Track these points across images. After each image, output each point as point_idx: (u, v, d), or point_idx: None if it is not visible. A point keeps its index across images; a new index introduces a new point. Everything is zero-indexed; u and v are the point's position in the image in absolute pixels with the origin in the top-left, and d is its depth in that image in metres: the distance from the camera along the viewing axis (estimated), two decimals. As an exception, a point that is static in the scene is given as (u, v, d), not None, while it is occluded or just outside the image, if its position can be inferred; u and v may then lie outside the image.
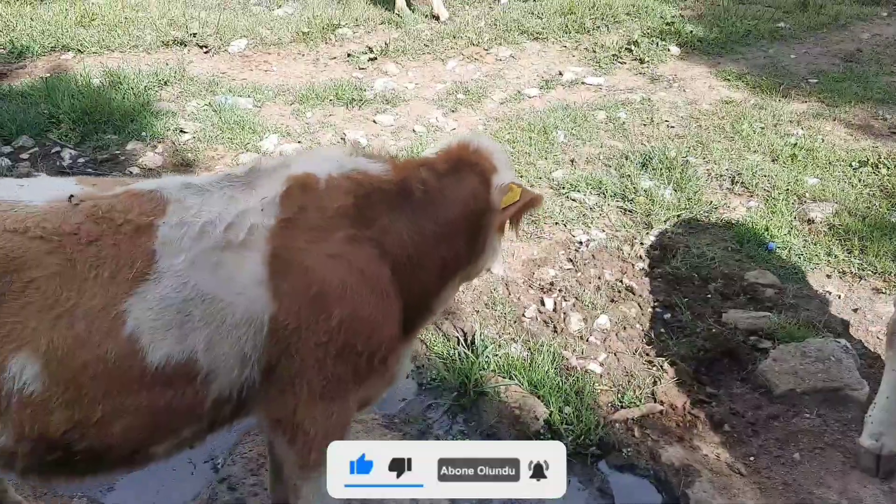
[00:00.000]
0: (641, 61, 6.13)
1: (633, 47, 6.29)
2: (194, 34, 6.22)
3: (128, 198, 1.71)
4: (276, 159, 2.25)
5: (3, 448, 1.61)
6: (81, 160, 4.42)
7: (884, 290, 3.38)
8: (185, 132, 4.79)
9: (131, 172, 4.30)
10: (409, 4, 7.02)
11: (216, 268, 1.68)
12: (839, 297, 3.40)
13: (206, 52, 6.10)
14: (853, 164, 4.43)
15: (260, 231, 1.73)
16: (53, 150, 4.49)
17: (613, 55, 6.27)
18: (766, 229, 3.82)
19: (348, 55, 6.22)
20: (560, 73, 5.97)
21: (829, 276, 3.53)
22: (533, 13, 7.00)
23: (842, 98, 5.36)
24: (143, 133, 4.69)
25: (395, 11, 6.94)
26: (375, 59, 6.15)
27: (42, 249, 1.59)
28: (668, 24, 6.78)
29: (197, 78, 5.56)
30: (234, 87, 5.48)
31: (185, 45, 6.13)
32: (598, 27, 6.75)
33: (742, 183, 4.28)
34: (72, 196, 1.68)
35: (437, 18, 6.85)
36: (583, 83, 5.85)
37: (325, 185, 1.85)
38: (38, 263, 1.58)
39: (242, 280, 1.70)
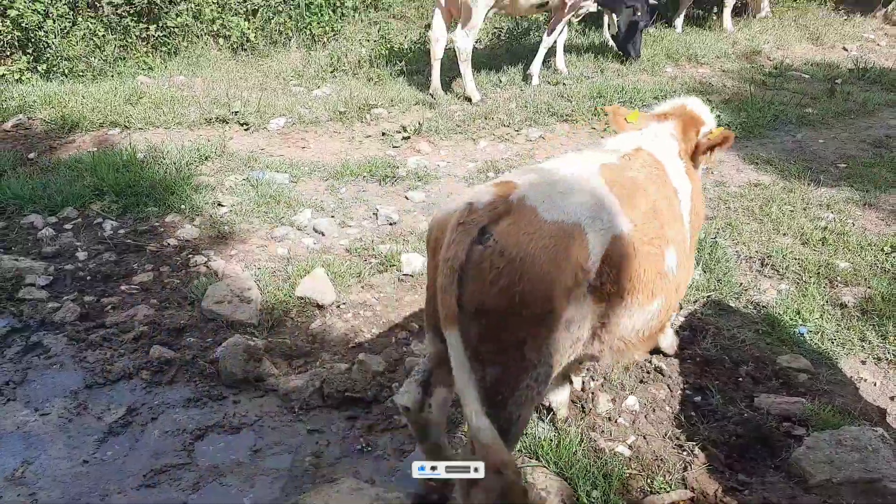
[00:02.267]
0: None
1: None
2: (236, 112, 6.49)
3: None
4: None
5: None
6: (122, 231, 4.57)
7: (921, 378, 3.30)
8: (222, 205, 4.94)
9: (168, 244, 4.43)
10: (442, 86, 7.25)
11: None
12: (874, 384, 3.32)
13: (246, 130, 6.35)
14: (885, 248, 4.39)
15: None
16: (96, 222, 4.66)
17: (641, 137, 6.37)
18: (798, 313, 3.78)
19: (382, 134, 6.42)
20: (589, 154, 6.06)
21: (863, 362, 3.46)
22: (562, 96, 7.18)
23: (872, 183, 5.36)
24: (183, 206, 4.85)
25: (430, 92, 7.19)
26: (409, 137, 6.33)
27: None
28: (695, 108, 6.89)
29: (236, 154, 5.78)
30: (271, 162, 5.67)
31: (227, 123, 6.40)
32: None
33: (772, 265, 4.26)
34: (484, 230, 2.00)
35: (470, 100, 7.06)
36: (612, 165, 5.93)
37: None
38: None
39: None
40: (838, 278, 4.10)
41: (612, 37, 8.32)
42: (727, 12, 9.22)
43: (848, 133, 6.47)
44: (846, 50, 8.91)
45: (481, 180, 5.54)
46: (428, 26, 8.12)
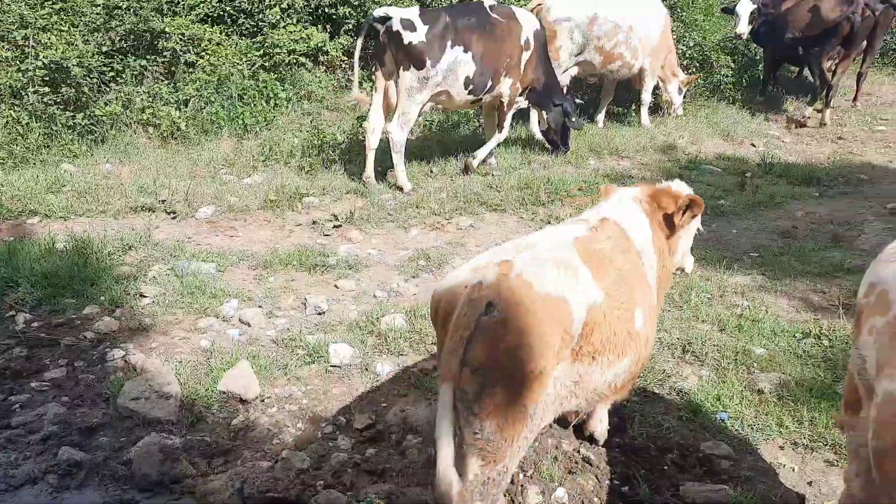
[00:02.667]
0: (595, 232, 6.44)
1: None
2: (163, 200, 6.42)
3: None
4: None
5: None
6: (35, 324, 4.38)
7: (835, 463, 3.40)
8: (144, 296, 4.81)
9: (85, 337, 4.26)
10: (375, 175, 7.35)
11: None
12: (793, 470, 3.40)
13: (173, 218, 6.27)
14: (797, 335, 4.60)
15: None
16: (8, 314, 4.46)
17: (567, 227, 6.59)
18: (718, 399, 3.88)
19: (314, 222, 6.44)
20: (518, 243, 6.22)
21: (781, 448, 3.55)
22: (492, 186, 7.39)
23: (782, 272, 5.65)
24: (102, 298, 4.69)
25: (363, 179, 7.28)
26: (340, 226, 6.37)
27: None
28: (617, 199, 7.20)
29: (162, 243, 5.68)
30: (198, 251, 5.59)
31: (153, 211, 6.31)
32: (553, 200, 7.14)
33: (693, 352, 4.39)
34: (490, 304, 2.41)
35: (401, 189, 7.19)
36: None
37: None
38: None
39: None
40: (755, 364, 4.25)
41: (542, 132, 8.69)
42: (644, 110, 9.79)
43: (758, 224, 6.84)
44: (754, 146, 9.53)
45: (412, 268, 5.60)
46: (361, 118, 8.32)
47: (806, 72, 11.63)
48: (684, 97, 10.18)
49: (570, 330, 2.50)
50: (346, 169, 7.66)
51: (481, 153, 7.80)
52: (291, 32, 8.98)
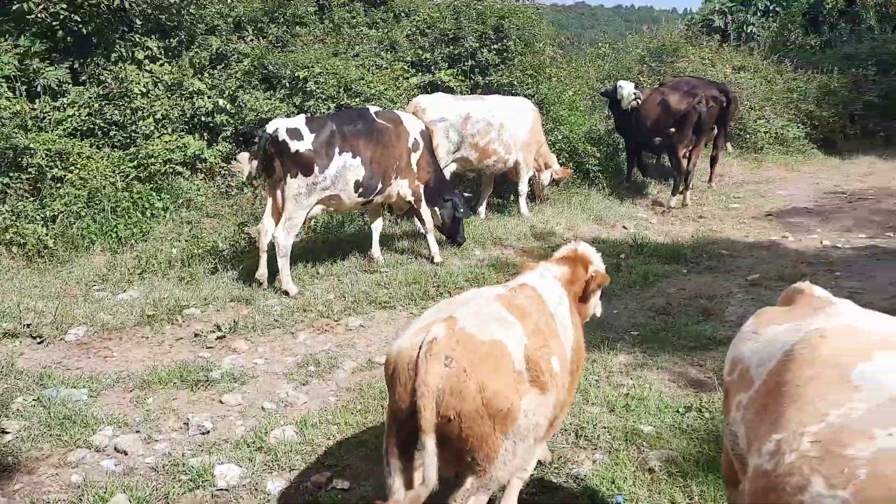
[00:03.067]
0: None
1: (474, 311, 6.74)
2: (28, 325, 5.99)
3: None
4: None
5: None
6: None
7: (727, 535, 3.49)
8: (6, 432, 4.41)
9: (-68, 487, 3.83)
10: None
11: None
12: (689, 547, 3.46)
13: (39, 343, 5.85)
14: (680, 409, 4.78)
15: None
16: None
17: (457, 319, 6.66)
18: (613, 482, 3.93)
19: (195, 335, 6.19)
20: (409, 340, 6.20)
21: (677, 526, 3.62)
22: (380, 284, 7.41)
23: (661, 348, 5.92)
24: (-45, 439, 4.26)
25: (256, 277, 7.15)
26: (224, 336, 6.15)
27: None
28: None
29: (26, 371, 5.26)
30: (67, 378, 5.21)
31: (17, 337, 5.87)
32: (442, 294, 7.23)
33: (585, 436, 4.46)
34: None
35: (287, 294, 7.07)
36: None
37: None
38: None
39: None
40: (644, 443, 4.36)
41: (437, 228, 8.90)
42: (522, 200, 10.24)
43: (636, 302, 7.18)
44: (626, 228, 10.11)
45: (302, 375, 5.46)
46: (242, 224, 8.23)
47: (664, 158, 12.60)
48: (557, 186, 10.78)
49: (517, 367, 2.92)
50: (230, 276, 7.48)
51: (432, 248, 8.19)
52: (167, 142, 8.87)
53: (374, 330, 6.49)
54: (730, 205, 11.48)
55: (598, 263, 3.83)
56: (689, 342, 6.06)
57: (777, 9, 23.48)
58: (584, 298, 3.77)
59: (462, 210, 8.55)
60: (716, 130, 11.30)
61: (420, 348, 2.78)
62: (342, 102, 9.29)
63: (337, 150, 7.11)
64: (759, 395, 2.54)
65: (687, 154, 10.91)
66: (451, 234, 8.73)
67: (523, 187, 10.20)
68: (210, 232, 8.45)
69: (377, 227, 8.23)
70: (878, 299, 7.00)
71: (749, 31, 22.94)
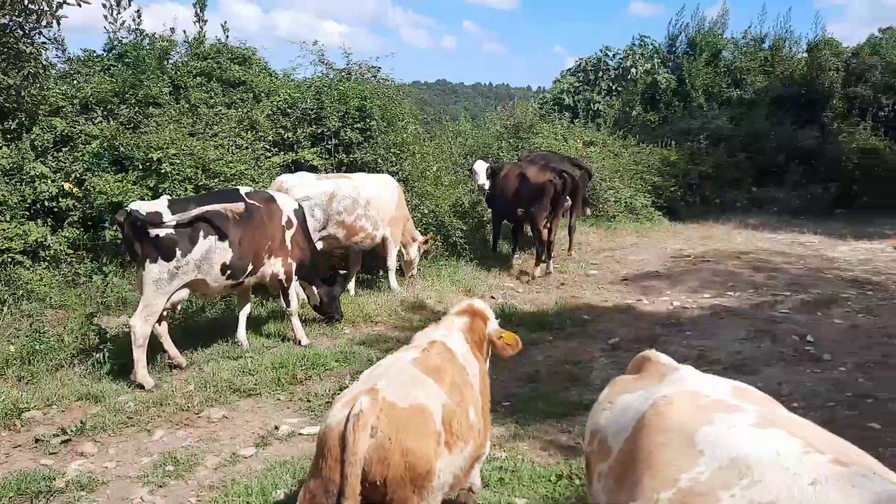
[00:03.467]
0: (355, 405, 6.38)
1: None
2: None
3: None
4: None
5: None
6: None
7: None
8: None
9: None
10: (112, 376, 6.70)
11: None
12: None
13: None
14: (552, 479, 4.83)
15: None
16: None
17: (327, 402, 6.47)
18: (490, 562, 3.87)
19: (36, 440, 5.61)
20: (276, 428, 5.95)
21: None
22: (244, 370, 7.09)
23: (532, 417, 6.01)
24: None
25: (132, 376, 6.70)
26: (69, 440, 5.61)
27: None
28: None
29: None
30: None
31: None
32: (311, 377, 7.02)
33: (461, 517, 4.38)
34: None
35: (142, 387, 6.61)
36: (300, 434, 5.87)
37: None
38: None
39: None
40: (519, 517, 4.35)
41: (313, 307, 8.73)
42: (391, 275, 10.27)
43: (507, 372, 7.27)
44: (494, 298, 10.34)
45: (158, 477, 5.05)
46: (91, 314, 7.68)
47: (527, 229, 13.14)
48: (426, 259, 10.93)
49: (437, 428, 3.19)
50: (76, 373, 6.89)
51: (298, 331, 8.02)
52: (4, 230, 8.20)
53: (238, 420, 6.17)
54: (589, 271, 12.06)
55: (492, 319, 4.21)
56: (558, 409, 6.20)
57: (618, 88, 25.53)
58: (482, 349, 4.13)
59: (340, 288, 8.50)
60: (570, 202, 11.94)
61: (347, 421, 3.01)
62: (200, 183, 9.02)
63: (202, 232, 6.89)
64: (617, 464, 2.61)
65: (547, 224, 11.42)
66: (328, 312, 8.64)
67: (392, 262, 10.25)
68: (54, 325, 7.80)
69: (245, 311, 7.94)
70: (723, 356, 7.54)
71: (596, 108, 24.77)
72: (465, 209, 13.04)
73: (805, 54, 27.21)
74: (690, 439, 2.35)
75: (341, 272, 9.01)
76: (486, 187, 12.44)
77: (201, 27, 13.23)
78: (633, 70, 25.53)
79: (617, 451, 2.65)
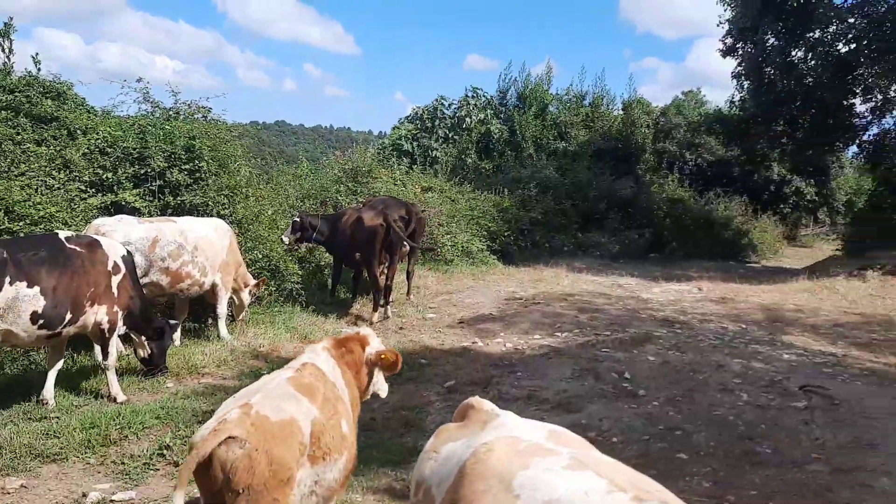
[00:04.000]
0: (176, 464, 5.95)
1: (165, 452, 6.11)
2: None
3: None
4: None
5: None
6: None
7: None
8: None
9: None
10: None
11: None
12: None
13: None
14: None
15: None
16: None
17: (145, 463, 5.98)
18: None
19: None
20: (84, 495, 5.39)
21: None
22: (49, 433, 6.39)
23: (366, 465, 5.87)
24: None
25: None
26: None
27: None
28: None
29: None
30: None
31: None
32: (126, 437, 6.46)
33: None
34: None
35: (-81, 458, 5.76)
36: (112, 501, 5.36)
37: None
38: None
39: None
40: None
41: (142, 360, 8.14)
42: (221, 323, 9.79)
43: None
44: (331, 344, 10.16)
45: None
46: None
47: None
48: (260, 305, 10.56)
49: (304, 441, 3.44)
50: None
51: (113, 387, 7.43)
52: None
53: (40, 489, 5.53)
54: (427, 315, 12.20)
55: (375, 344, 4.51)
56: (393, 456, 6.14)
57: (454, 136, 26.52)
58: (360, 371, 4.41)
59: (170, 339, 8.01)
60: (407, 247, 12.09)
61: (211, 431, 3.25)
62: (2, 227, 8.15)
63: (7, 279, 6.29)
64: (441, 514, 2.61)
65: (383, 270, 11.47)
66: (157, 364, 8.14)
67: (222, 310, 9.79)
68: None
69: (57, 366, 7.21)
70: (551, 395, 7.86)
71: (433, 155, 25.51)
72: (302, 254, 12.79)
73: (621, 112, 29.82)
74: (508, 485, 2.40)
75: (171, 322, 8.48)
76: (286, 242, 12.28)
77: (7, 58, 12.13)
78: (468, 119, 26.64)
79: (440, 501, 2.65)
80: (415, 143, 25.88)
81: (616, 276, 17.29)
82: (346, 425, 3.80)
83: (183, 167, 10.45)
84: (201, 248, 9.29)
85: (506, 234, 18.60)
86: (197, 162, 10.50)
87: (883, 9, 17.55)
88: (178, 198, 10.43)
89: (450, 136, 26.47)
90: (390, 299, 11.84)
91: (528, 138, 26.61)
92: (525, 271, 17.08)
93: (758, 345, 10.17)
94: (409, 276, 13.27)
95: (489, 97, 28.63)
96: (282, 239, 12.08)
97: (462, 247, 16.91)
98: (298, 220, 12.28)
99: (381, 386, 4.69)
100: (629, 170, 26.32)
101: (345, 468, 3.76)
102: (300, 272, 11.85)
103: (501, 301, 13.59)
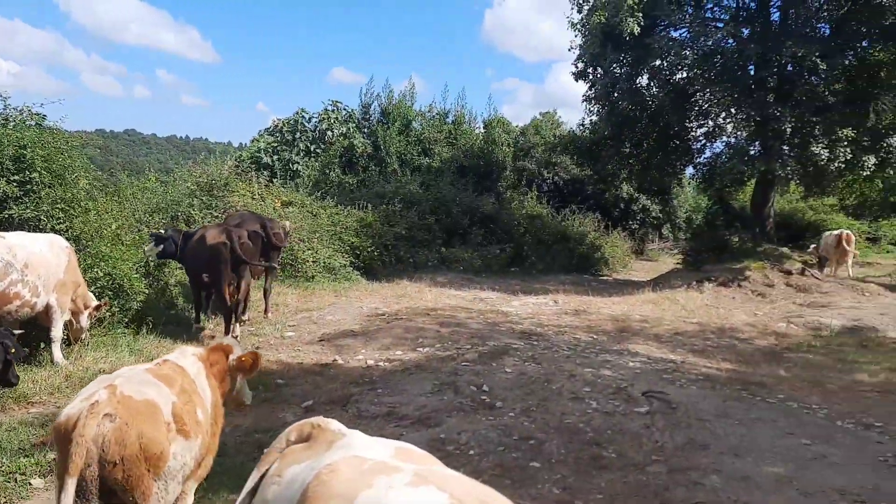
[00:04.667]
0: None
1: (-17, 492, 5.50)
2: None
3: None
4: None
5: None
6: None
7: None
8: None
9: None
10: None
11: None
12: None
13: None
14: (230, 562, 4.49)
15: None
16: None
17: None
18: None
19: None
20: None
21: None
22: None
23: (215, 494, 5.59)
24: None
25: None
26: None
27: None
28: None
29: None
30: None
31: None
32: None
33: None
34: None
35: None
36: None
37: None
38: None
39: None
40: None
41: None
42: (56, 347, 8.99)
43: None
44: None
45: None
46: None
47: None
48: (101, 326, 9.82)
49: (167, 418, 3.73)
50: None
51: None
52: None
53: None
54: (286, 333, 11.86)
55: (237, 352, 4.76)
56: (242, 483, 5.84)
57: (317, 150, 26.17)
58: (225, 379, 4.67)
59: (15, 350, 7.20)
60: (265, 263, 11.72)
61: (82, 411, 3.45)
62: None
63: None
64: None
65: (231, 289, 10.90)
66: (2, 377, 7.23)
67: (57, 332, 8.99)
68: None
69: None
70: (411, 410, 7.86)
71: (295, 168, 25.02)
72: (149, 270, 12.06)
73: (482, 130, 30.69)
74: (351, 505, 2.35)
75: (16, 331, 7.60)
76: (147, 254, 11.69)
77: None
78: (330, 133, 26.38)
79: (282, 527, 2.55)
80: (275, 157, 25.27)
81: (478, 290, 17.66)
82: (201, 413, 4.08)
83: (11, 179, 9.56)
84: (33, 266, 8.51)
85: (369, 249, 18.51)
86: (28, 173, 9.63)
87: (710, 42, 19.21)
88: (6, 212, 9.52)
89: (312, 149, 26.08)
90: (246, 317, 11.40)
91: (393, 153, 26.75)
92: (388, 287, 17.07)
93: (607, 354, 10.70)
94: (266, 294, 12.84)
95: (351, 111, 28.53)
96: (143, 250, 11.37)
97: (324, 263, 16.64)
98: (162, 231, 11.58)
99: (244, 392, 5.05)
100: (491, 186, 27.11)
101: (199, 453, 4.02)
102: (146, 290, 11.14)
103: (364, 317, 13.47)
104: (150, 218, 14.17)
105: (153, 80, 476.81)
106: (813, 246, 21.39)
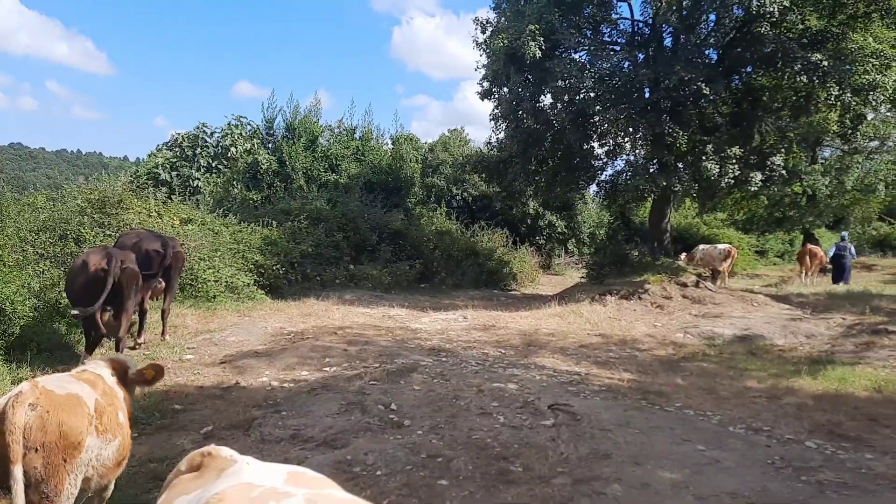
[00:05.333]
0: None
1: None
2: None
3: None
4: None
5: None
6: None
7: None
8: None
9: None
10: None
11: None
12: None
13: None
14: None
15: None
16: None
17: None
18: None
19: None
20: None
21: None
22: None
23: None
24: None
25: None
26: None
27: None
28: None
29: None
30: None
31: None
32: None
33: None
34: None
35: None
36: None
37: None
38: None
39: None
40: None
41: None
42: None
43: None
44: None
45: None
46: None
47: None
48: None
49: (90, 412, 3.95)
50: None
51: None
52: None
53: None
54: (184, 356, 11.35)
55: (132, 365, 4.89)
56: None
57: (219, 166, 25.42)
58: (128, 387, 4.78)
59: None
60: (162, 283, 11.21)
61: (8, 402, 3.68)
62: None
63: None
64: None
65: (109, 319, 10.15)
66: None
67: (-75, 362, 8.28)
68: None
69: None
70: (316, 432, 7.65)
71: (195, 185, 24.19)
72: (36, 292, 11.30)
73: (390, 146, 30.68)
74: (238, 535, 2.24)
75: None
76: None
77: None
78: (233, 149, 25.71)
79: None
80: (174, 173, 24.34)
81: (387, 307, 17.53)
82: (121, 415, 4.30)
83: None
84: None
85: (274, 267, 18.04)
86: None
87: (607, 65, 19.98)
88: None
89: (213, 165, 25.31)
90: (142, 340, 10.85)
91: (299, 170, 26.29)
92: (295, 305, 16.69)
93: (515, 368, 10.81)
94: (164, 315, 12.26)
95: (256, 127, 27.91)
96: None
97: (226, 282, 16.08)
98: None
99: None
100: (400, 202, 27.07)
101: (119, 452, 4.20)
102: (32, 314, 10.43)
103: (268, 337, 13.09)
104: (35, 237, 13.30)
105: (42, 92, 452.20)
106: (684, 255, 22.95)
